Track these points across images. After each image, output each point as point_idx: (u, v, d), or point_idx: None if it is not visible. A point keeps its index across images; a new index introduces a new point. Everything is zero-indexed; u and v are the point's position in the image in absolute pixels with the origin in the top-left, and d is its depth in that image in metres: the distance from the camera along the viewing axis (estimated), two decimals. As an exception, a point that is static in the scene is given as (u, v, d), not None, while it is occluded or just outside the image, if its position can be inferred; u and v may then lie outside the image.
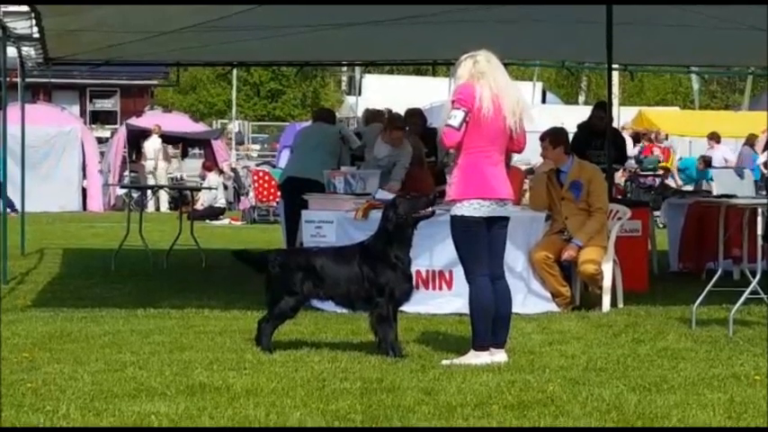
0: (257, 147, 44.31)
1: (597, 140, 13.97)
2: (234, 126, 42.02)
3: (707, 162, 25.61)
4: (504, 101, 8.06)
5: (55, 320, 9.98)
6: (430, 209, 8.53)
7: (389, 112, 14.36)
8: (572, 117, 20.24)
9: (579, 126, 14.58)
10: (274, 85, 53.45)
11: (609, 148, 13.54)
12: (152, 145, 30.83)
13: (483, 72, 8.06)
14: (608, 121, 14.17)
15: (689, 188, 25.10)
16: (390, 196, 10.55)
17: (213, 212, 27.00)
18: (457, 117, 7.96)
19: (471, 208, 8.01)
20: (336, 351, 8.39)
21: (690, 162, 26.44)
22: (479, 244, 8.08)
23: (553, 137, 11.33)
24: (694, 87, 42.40)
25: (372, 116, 15.29)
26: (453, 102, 8.02)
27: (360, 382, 7.26)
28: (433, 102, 28.58)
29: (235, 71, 35.76)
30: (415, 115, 13.83)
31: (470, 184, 8.02)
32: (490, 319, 8.11)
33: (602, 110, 14.41)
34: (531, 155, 16.05)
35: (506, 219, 8.21)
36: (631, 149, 27.94)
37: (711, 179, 24.67)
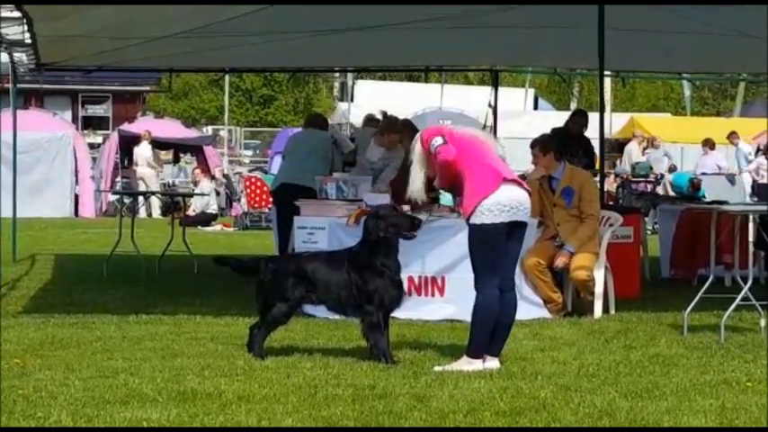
0: (249, 153, 44.27)
1: (572, 146, 13.95)
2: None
3: (695, 186, 25.72)
4: (476, 131, 8.34)
5: (46, 327, 9.96)
6: (412, 232, 8.46)
7: (385, 115, 14.40)
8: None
9: (555, 130, 14.48)
10: (266, 91, 53.47)
11: (602, 154, 13.57)
12: (141, 151, 30.78)
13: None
14: (600, 127, 14.19)
15: None
16: (379, 200, 10.58)
17: (205, 218, 26.97)
18: (438, 140, 8.09)
19: (492, 215, 7.93)
20: (328, 357, 8.38)
21: (682, 180, 26.48)
22: (495, 254, 8.01)
23: (543, 144, 11.35)
24: (686, 94, 42.48)
25: (367, 120, 15.32)
26: (425, 141, 8.16)
27: (352, 389, 7.25)
28: (425, 107, 28.62)
29: (227, 77, 35.76)
30: (407, 126, 13.88)
31: (484, 182, 7.96)
32: (490, 330, 8.10)
33: (582, 117, 14.69)
34: (522, 163, 16.08)
35: (524, 226, 8.16)
36: (639, 156, 28.09)
37: (704, 196, 24.75)
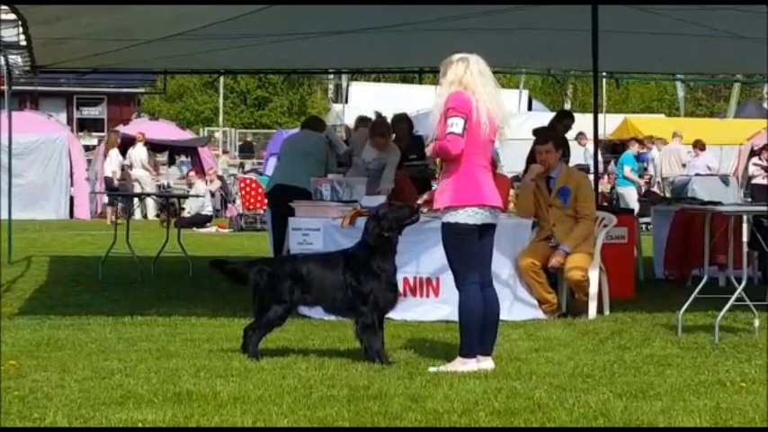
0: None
1: None
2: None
3: (639, 141, 26.51)
4: (498, 113, 8.10)
5: (42, 328, 9.97)
6: (414, 217, 8.53)
7: (378, 115, 14.38)
8: (558, 124, 20.23)
9: (541, 130, 14.43)
10: (261, 92, 53.43)
11: (596, 155, 13.59)
12: (136, 153, 30.78)
13: (475, 84, 8.02)
14: (594, 129, 14.23)
15: (636, 177, 26.12)
16: (375, 201, 10.57)
17: (200, 220, 26.98)
18: (458, 124, 7.94)
19: (466, 215, 8.01)
20: (323, 358, 8.40)
21: (627, 157, 26.87)
22: (471, 251, 8.08)
23: (556, 140, 11.38)
24: (679, 95, 42.51)
25: (360, 122, 15.33)
26: (449, 110, 7.98)
27: (347, 389, 7.27)
28: (419, 109, 28.53)
29: (222, 79, 35.78)
30: (403, 121, 13.81)
31: (466, 192, 8.01)
32: (479, 328, 8.12)
33: (572, 120, 14.73)
34: (516, 164, 16.08)
35: (494, 226, 8.24)
36: (687, 158, 27.75)
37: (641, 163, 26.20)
